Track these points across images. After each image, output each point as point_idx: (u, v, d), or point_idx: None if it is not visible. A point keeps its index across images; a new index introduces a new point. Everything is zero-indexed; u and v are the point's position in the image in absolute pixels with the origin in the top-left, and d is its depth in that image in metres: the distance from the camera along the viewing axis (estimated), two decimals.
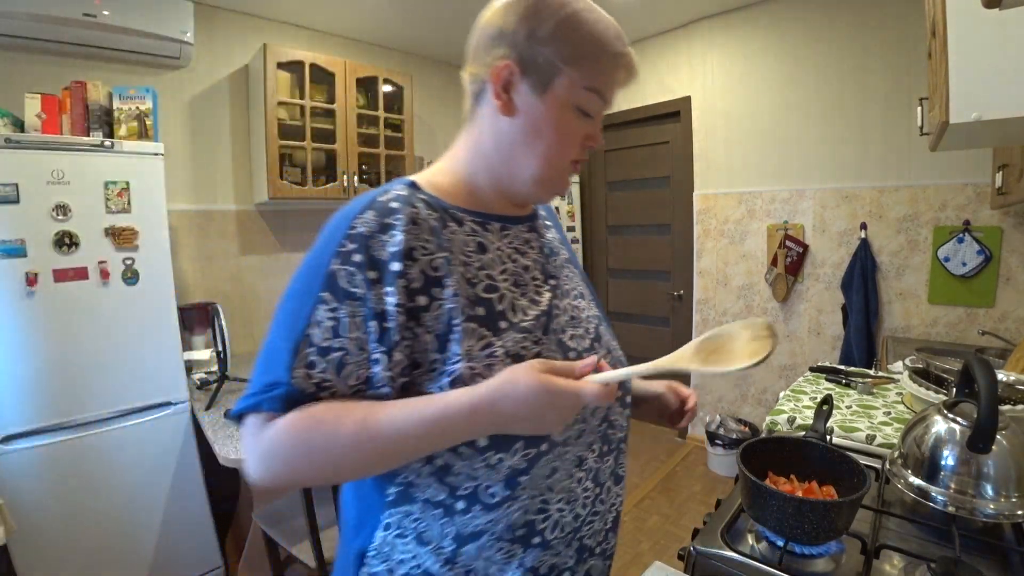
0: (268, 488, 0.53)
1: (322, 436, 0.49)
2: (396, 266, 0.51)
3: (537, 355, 0.56)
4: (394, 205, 0.54)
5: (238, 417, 0.54)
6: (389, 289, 0.51)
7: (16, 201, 1.51)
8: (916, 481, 0.78)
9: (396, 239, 0.52)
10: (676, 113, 3.01)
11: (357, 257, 0.51)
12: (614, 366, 0.58)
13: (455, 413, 0.49)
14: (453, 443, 0.52)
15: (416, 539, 0.57)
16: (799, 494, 0.71)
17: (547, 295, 0.62)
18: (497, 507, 0.55)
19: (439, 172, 0.63)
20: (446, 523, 0.56)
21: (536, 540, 0.57)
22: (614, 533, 0.67)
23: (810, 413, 1.22)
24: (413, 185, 0.58)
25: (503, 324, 0.56)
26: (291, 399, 0.50)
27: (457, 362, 0.52)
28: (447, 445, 0.52)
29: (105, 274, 1.66)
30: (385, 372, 0.51)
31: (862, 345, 2.31)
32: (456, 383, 0.52)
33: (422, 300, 0.52)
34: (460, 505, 0.55)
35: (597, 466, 0.61)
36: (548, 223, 0.73)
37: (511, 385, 0.48)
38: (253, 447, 0.52)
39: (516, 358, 0.54)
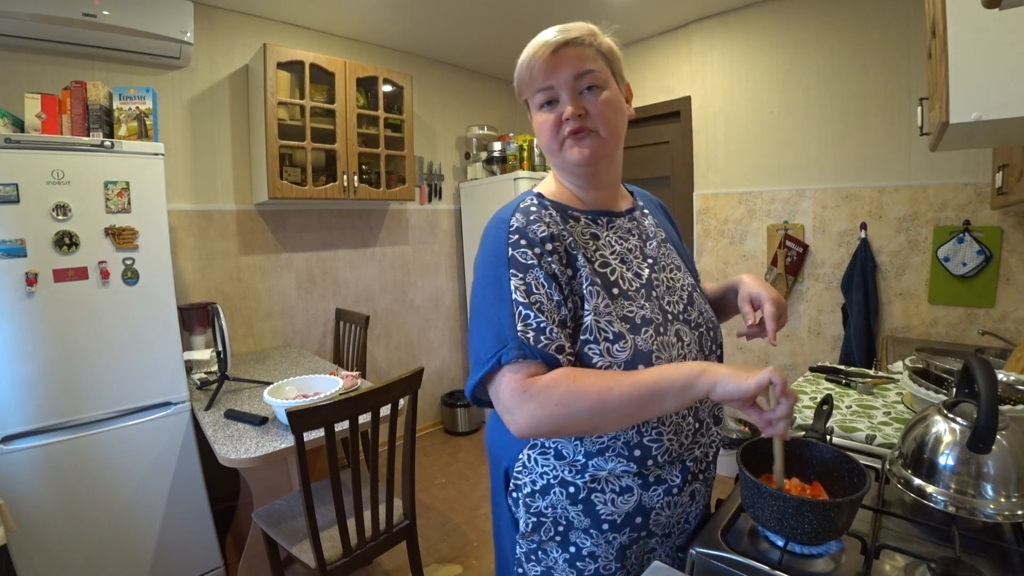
0: (531, 432, 0.66)
1: (589, 380, 0.65)
2: (548, 246, 0.73)
3: (644, 316, 0.76)
4: (532, 208, 0.77)
5: (479, 384, 0.71)
6: (549, 260, 0.72)
7: (16, 201, 1.51)
8: (916, 481, 0.77)
9: (541, 229, 0.74)
10: (676, 113, 3.00)
11: (523, 242, 0.73)
12: (706, 326, 0.82)
13: (672, 375, 0.64)
14: (663, 405, 0.65)
15: (555, 455, 0.78)
16: (799, 494, 0.71)
17: (647, 270, 0.81)
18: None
19: (548, 184, 0.86)
20: (578, 443, 0.76)
21: (649, 462, 0.75)
22: (714, 464, 0.85)
23: (810, 413, 1.22)
24: (540, 195, 0.81)
25: (615, 291, 0.76)
26: (521, 348, 0.66)
27: (588, 315, 0.72)
28: (662, 405, 0.65)
29: (105, 274, 1.66)
30: (568, 316, 0.71)
31: (862, 345, 2.31)
32: (587, 331, 0.72)
33: (569, 271, 0.74)
34: None
35: (697, 407, 0.78)
36: (647, 212, 0.91)
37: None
38: (520, 396, 0.66)
39: (624, 319, 0.74)
